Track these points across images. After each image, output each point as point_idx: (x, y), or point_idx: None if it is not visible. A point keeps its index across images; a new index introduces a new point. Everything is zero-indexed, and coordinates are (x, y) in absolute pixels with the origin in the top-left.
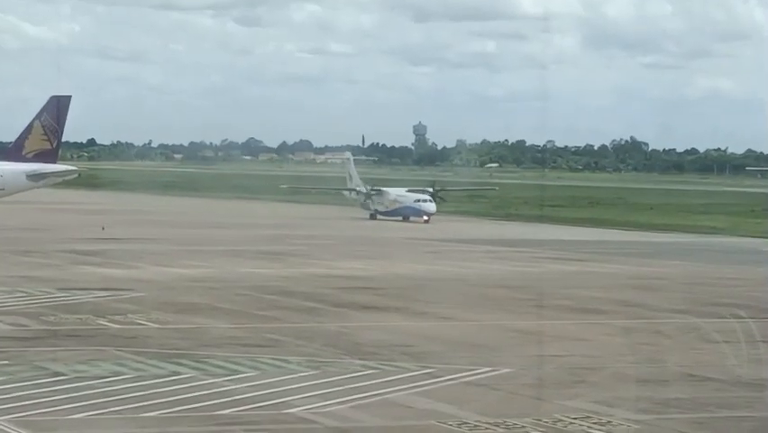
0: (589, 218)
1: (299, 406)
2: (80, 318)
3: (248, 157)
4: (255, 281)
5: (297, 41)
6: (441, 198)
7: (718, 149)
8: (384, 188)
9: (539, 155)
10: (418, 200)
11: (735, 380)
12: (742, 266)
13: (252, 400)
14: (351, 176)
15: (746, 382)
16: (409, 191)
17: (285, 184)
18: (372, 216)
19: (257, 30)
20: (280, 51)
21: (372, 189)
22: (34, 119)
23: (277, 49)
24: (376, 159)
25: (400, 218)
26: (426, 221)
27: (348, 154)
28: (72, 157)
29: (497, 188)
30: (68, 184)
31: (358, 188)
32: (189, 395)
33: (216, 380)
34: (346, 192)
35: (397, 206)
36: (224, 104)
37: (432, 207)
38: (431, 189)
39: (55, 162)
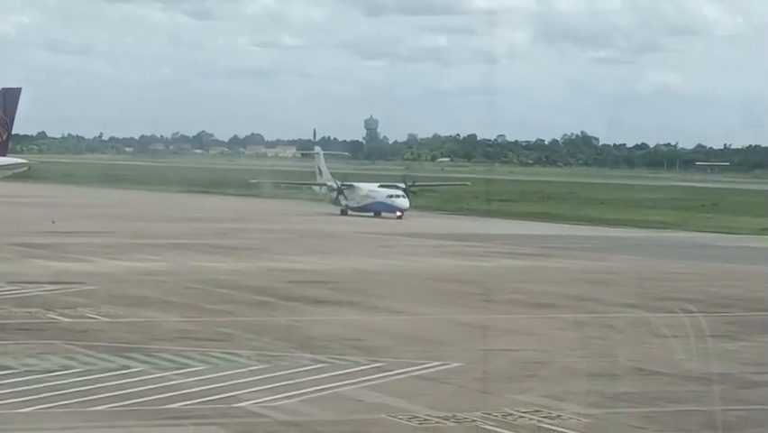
0: (541, 213)
1: (249, 400)
2: (30, 312)
3: (199, 150)
4: (206, 275)
5: (248, 35)
6: (413, 192)
7: (668, 144)
8: (355, 184)
9: (490, 149)
10: (391, 196)
11: (684, 374)
12: (692, 261)
13: (202, 394)
14: (320, 170)
15: (696, 376)
16: (381, 186)
17: (255, 179)
18: (343, 212)
19: (208, 23)
20: (232, 45)
21: (343, 185)
22: None
23: (228, 42)
24: (347, 154)
25: (371, 214)
26: (399, 217)
27: (318, 149)
28: (22, 150)
29: (469, 183)
30: (18, 177)
31: (328, 183)
32: (139, 389)
33: (166, 374)
34: (316, 187)
35: (369, 201)
36: (175, 97)
37: (405, 202)
38: (403, 185)
39: (5, 155)
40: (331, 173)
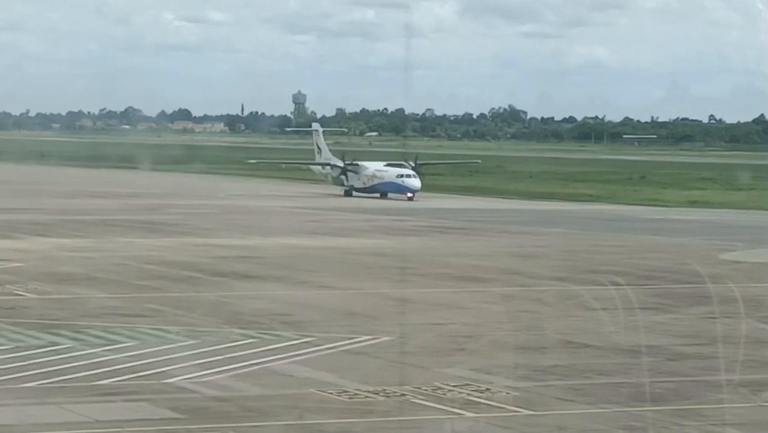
0: (469, 187)
1: (179, 375)
2: None
3: (127, 126)
4: (134, 251)
5: (174, 10)
6: (422, 172)
7: (596, 117)
8: (361, 163)
9: (418, 124)
10: (401, 175)
11: (613, 346)
12: (619, 234)
13: (132, 370)
14: (320, 149)
15: (624, 348)
16: (388, 165)
17: (253, 159)
18: (347, 193)
19: None
20: (158, 20)
21: (349, 164)
22: None
23: (155, 17)
24: (346, 130)
25: (377, 195)
26: (410, 198)
27: (316, 125)
28: None
29: (479, 160)
30: None
31: (332, 163)
32: (68, 366)
33: (95, 350)
34: (317, 167)
35: (377, 181)
36: (102, 73)
37: (416, 182)
38: (412, 163)
39: None
40: (330, 150)
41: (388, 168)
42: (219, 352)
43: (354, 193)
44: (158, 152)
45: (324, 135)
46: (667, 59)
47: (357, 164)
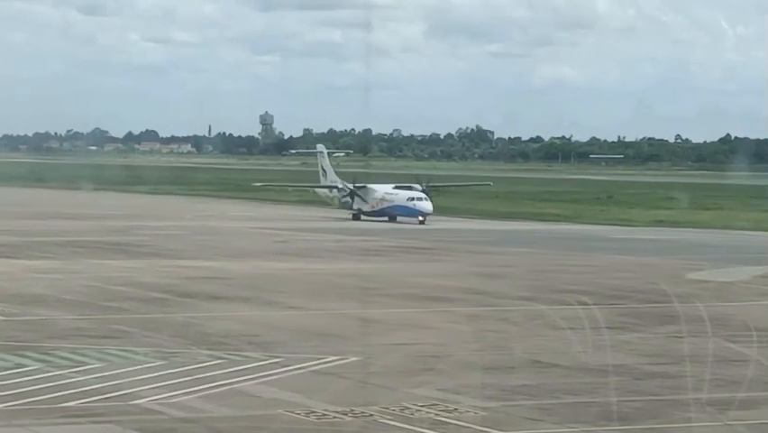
0: (435, 207)
1: (146, 397)
2: None
3: (94, 147)
4: (102, 273)
5: (140, 30)
6: (431, 194)
7: (563, 137)
8: (369, 185)
9: (385, 144)
10: (412, 198)
11: (580, 366)
12: (586, 253)
13: (99, 391)
14: (325, 171)
15: (591, 368)
16: (397, 188)
17: (258, 182)
18: (356, 217)
19: (100, 19)
20: (124, 40)
21: (357, 186)
22: None
23: (120, 38)
24: (351, 152)
25: (386, 219)
26: (422, 222)
27: (321, 147)
28: None
29: (491, 183)
30: None
31: (339, 186)
32: (35, 387)
33: (63, 372)
34: (323, 190)
35: (386, 205)
36: (69, 94)
37: (428, 206)
38: (419, 186)
39: None
40: (336, 173)
41: (398, 190)
42: (187, 373)
43: (362, 217)
44: (130, 174)
45: (326, 157)
46: (633, 79)
47: (365, 187)
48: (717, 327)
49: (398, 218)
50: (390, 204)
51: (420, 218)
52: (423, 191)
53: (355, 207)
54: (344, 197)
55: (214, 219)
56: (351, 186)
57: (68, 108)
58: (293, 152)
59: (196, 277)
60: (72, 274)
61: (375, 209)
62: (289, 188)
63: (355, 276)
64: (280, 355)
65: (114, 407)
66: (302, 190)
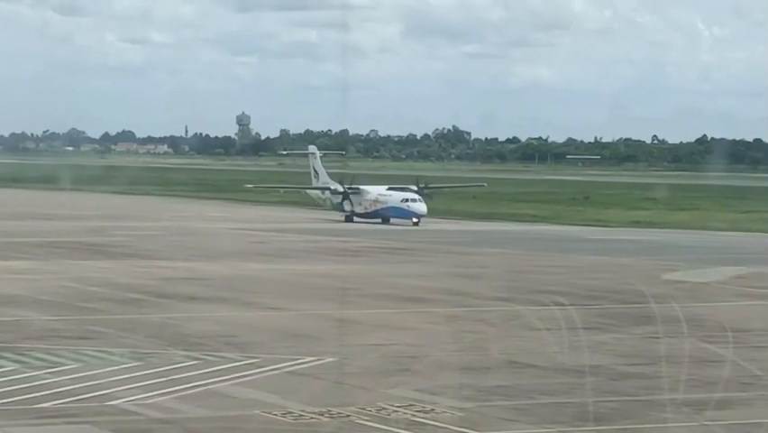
0: None
1: (122, 398)
2: None
3: (70, 148)
4: (78, 273)
5: (117, 31)
6: (428, 195)
7: (539, 138)
8: (362, 187)
9: (362, 144)
10: (406, 200)
11: (556, 366)
12: (563, 254)
13: (75, 392)
14: (317, 172)
15: (568, 368)
16: (390, 189)
17: (250, 184)
18: (348, 219)
19: (77, 19)
20: (101, 41)
21: (350, 188)
22: None
23: (97, 38)
24: (344, 153)
25: (379, 221)
26: (416, 223)
27: (313, 148)
28: None
29: (485, 184)
30: None
31: (332, 187)
32: (10, 388)
33: (38, 372)
34: (315, 192)
35: (379, 206)
36: (46, 94)
37: (422, 207)
38: (414, 187)
39: None
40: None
41: (392, 192)
42: (163, 374)
43: (355, 218)
44: (106, 174)
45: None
46: (610, 80)
47: (358, 188)
48: (692, 328)
49: (392, 220)
50: (384, 205)
51: (414, 220)
52: (418, 192)
53: (348, 208)
54: (337, 199)
55: (191, 220)
56: (343, 187)
57: (44, 109)
58: (284, 152)
59: (173, 278)
60: (48, 275)
61: (368, 211)
62: (281, 190)
63: (333, 277)
64: (257, 356)
65: (90, 408)
66: (288, 192)
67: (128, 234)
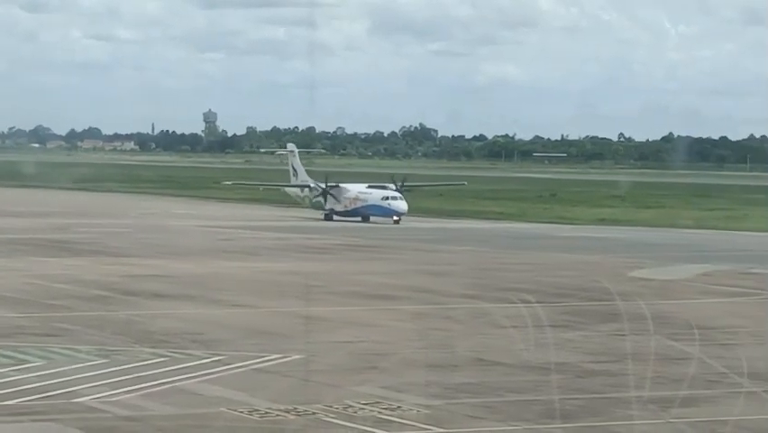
0: None
1: (89, 395)
2: None
3: (36, 145)
4: (44, 270)
5: (83, 28)
6: (406, 191)
7: (506, 135)
8: (342, 185)
9: (329, 142)
10: (386, 198)
11: (523, 364)
12: (529, 251)
13: (41, 389)
14: (295, 170)
15: (534, 366)
16: (370, 187)
17: (229, 180)
18: (328, 217)
19: (43, 16)
20: (67, 38)
21: (329, 186)
22: None
23: (63, 35)
24: (324, 151)
25: (359, 219)
26: (397, 222)
27: (291, 146)
28: None
29: (466, 183)
30: None
31: (312, 185)
32: None
33: (4, 370)
34: (295, 190)
35: (360, 204)
36: (11, 91)
37: (403, 205)
38: (393, 186)
39: None
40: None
41: (372, 190)
42: (129, 371)
43: (335, 217)
44: (73, 171)
45: (286, 156)
46: (576, 78)
47: (338, 186)
48: (659, 325)
49: (372, 218)
50: (364, 203)
51: (395, 218)
52: (397, 191)
53: (327, 206)
54: (316, 196)
55: (157, 217)
56: (323, 185)
57: (10, 105)
58: (263, 150)
59: (140, 275)
60: (14, 272)
61: (348, 209)
62: (260, 188)
63: (300, 274)
64: (223, 353)
65: (56, 405)
66: (267, 189)
67: (94, 232)
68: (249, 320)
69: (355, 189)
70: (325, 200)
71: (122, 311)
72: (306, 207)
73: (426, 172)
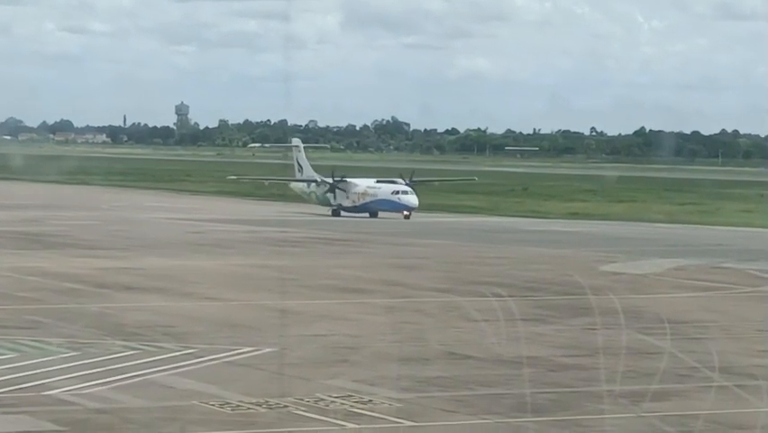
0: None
1: (59, 388)
2: None
3: (8, 137)
4: (15, 263)
5: (56, 20)
6: (415, 188)
7: (478, 129)
8: (350, 179)
9: (301, 135)
10: (396, 192)
11: (494, 358)
12: (501, 245)
13: (11, 382)
14: (300, 166)
15: (506, 359)
16: (379, 182)
17: (233, 175)
18: (335, 213)
19: (15, 8)
20: (40, 30)
21: (337, 180)
22: None
23: (36, 27)
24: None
25: (366, 214)
26: (407, 216)
27: (297, 141)
28: None
29: (476, 178)
30: None
31: (319, 180)
32: None
33: None
34: (300, 185)
35: (369, 199)
36: None
37: (414, 200)
38: (402, 180)
39: None
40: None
41: (381, 184)
42: (100, 364)
43: (343, 213)
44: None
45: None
46: (549, 72)
47: (346, 181)
48: (630, 320)
49: (380, 214)
50: (373, 198)
51: (405, 213)
52: (407, 185)
53: (335, 202)
54: (325, 192)
55: (129, 210)
56: (330, 180)
57: None
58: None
59: (111, 268)
60: None
61: (356, 204)
62: (266, 182)
63: (272, 267)
64: (195, 346)
65: (27, 398)
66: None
67: (66, 224)
68: (220, 313)
69: (363, 184)
70: (334, 195)
71: (93, 304)
72: (313, 203)
73: (397, 166)
